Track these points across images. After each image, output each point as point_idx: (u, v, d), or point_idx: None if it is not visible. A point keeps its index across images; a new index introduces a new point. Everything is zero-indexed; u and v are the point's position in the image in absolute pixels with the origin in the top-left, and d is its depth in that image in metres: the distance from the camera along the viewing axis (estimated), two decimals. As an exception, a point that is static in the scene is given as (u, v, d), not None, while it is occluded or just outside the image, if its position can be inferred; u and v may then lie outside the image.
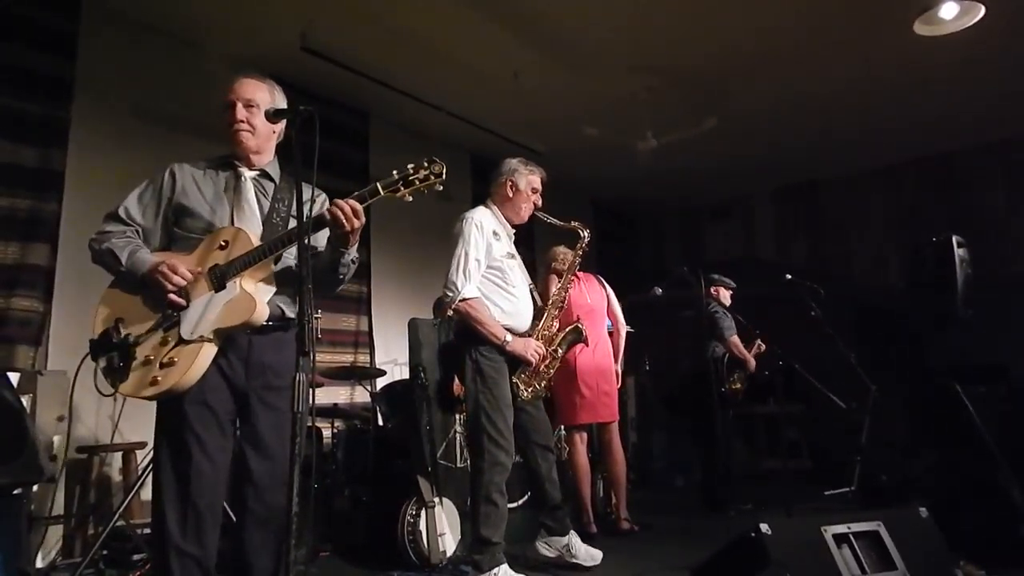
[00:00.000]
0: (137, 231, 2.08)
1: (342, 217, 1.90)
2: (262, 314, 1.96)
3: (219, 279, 1.95)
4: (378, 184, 1.96)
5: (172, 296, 1.92)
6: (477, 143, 6.40)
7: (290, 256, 2.07)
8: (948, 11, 4.28)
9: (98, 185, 3.80)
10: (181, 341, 1.89)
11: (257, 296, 1.97)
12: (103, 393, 1.92)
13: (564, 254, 3.93)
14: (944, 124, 6.27)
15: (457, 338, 3.10)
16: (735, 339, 4.79)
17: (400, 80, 5.18)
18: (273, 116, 2.02)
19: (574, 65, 5.12)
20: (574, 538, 3.11)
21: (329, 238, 2.04)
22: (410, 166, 1.96)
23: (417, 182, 1.95)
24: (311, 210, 1.90)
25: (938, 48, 4.78)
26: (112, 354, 1.91)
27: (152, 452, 2.01)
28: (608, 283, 4.35)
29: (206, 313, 1.93)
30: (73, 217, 3.85)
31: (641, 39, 4.80)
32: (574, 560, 3.06)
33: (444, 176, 1.97)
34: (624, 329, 4.31)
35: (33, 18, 3.89)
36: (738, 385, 4.61)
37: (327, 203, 2.00)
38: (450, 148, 6.42)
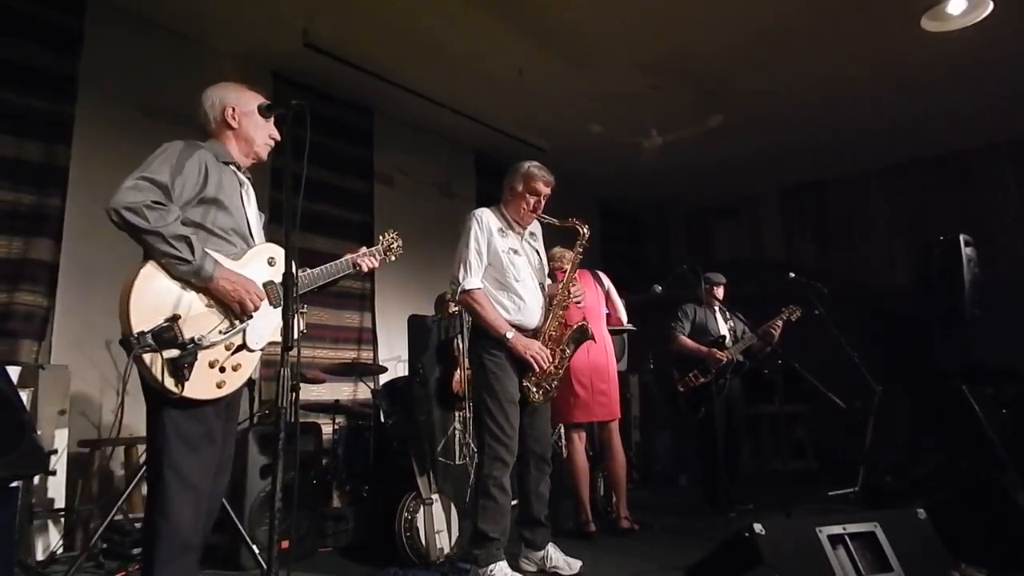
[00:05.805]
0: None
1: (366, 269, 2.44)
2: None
3: (278, 296, 2.07)
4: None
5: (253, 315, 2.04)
6: (482, 140, 6.40)
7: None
8: (955, 6, 4.24)
9: (102, 181, 3.75)
10: (245, 348, 2.03)
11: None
12: (171, 393, 1.86)
13: (563, 253, 3.91)
14: (952, 122, 6.19)
15: (470, 335, 3.14)
16: (682, 338, 4.71)
17: (404, 77, 5.18)
18: (266, 111, 2.03)
19: (579, 62, 5.10)
20: (552, 549, 3.12)
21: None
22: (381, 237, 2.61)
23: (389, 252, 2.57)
24: (297, 212, 1.88)
25: (946, 44, 4.72)
26: (181, 354, 1.87)
27: (155, 446, 1.95)
28: (613, 282, 4.32)
29: (269, 325, 2.09)
30: (77, 213, 3.88)
31: (647, 37, 4.77)
32: (554, 569, 3.07)
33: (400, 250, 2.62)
34: (623, 317, 4.26)
35: (38, 15, 3.92)
36: (693, 383, 4.58)
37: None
38: (454, 145, 6.42)
